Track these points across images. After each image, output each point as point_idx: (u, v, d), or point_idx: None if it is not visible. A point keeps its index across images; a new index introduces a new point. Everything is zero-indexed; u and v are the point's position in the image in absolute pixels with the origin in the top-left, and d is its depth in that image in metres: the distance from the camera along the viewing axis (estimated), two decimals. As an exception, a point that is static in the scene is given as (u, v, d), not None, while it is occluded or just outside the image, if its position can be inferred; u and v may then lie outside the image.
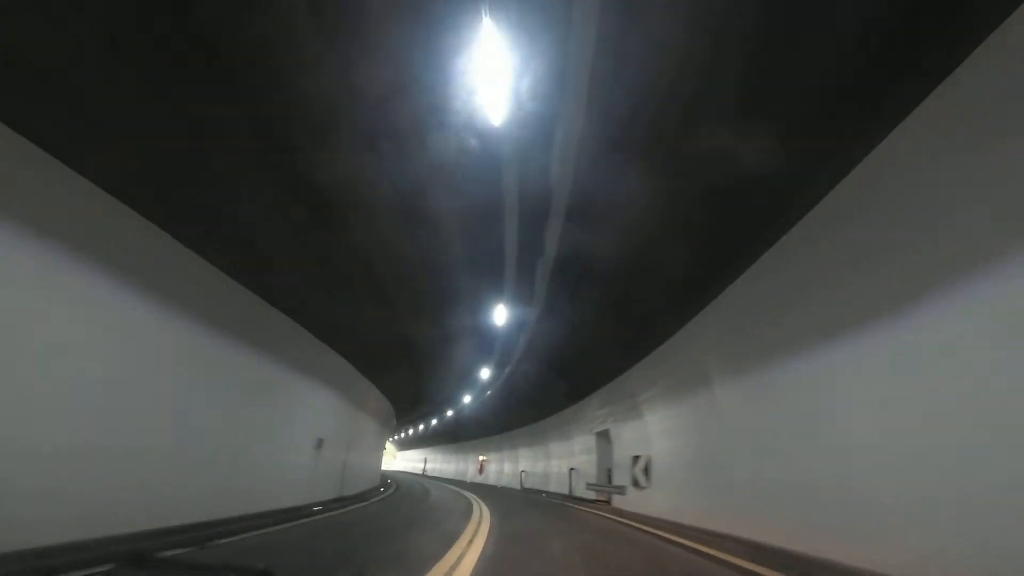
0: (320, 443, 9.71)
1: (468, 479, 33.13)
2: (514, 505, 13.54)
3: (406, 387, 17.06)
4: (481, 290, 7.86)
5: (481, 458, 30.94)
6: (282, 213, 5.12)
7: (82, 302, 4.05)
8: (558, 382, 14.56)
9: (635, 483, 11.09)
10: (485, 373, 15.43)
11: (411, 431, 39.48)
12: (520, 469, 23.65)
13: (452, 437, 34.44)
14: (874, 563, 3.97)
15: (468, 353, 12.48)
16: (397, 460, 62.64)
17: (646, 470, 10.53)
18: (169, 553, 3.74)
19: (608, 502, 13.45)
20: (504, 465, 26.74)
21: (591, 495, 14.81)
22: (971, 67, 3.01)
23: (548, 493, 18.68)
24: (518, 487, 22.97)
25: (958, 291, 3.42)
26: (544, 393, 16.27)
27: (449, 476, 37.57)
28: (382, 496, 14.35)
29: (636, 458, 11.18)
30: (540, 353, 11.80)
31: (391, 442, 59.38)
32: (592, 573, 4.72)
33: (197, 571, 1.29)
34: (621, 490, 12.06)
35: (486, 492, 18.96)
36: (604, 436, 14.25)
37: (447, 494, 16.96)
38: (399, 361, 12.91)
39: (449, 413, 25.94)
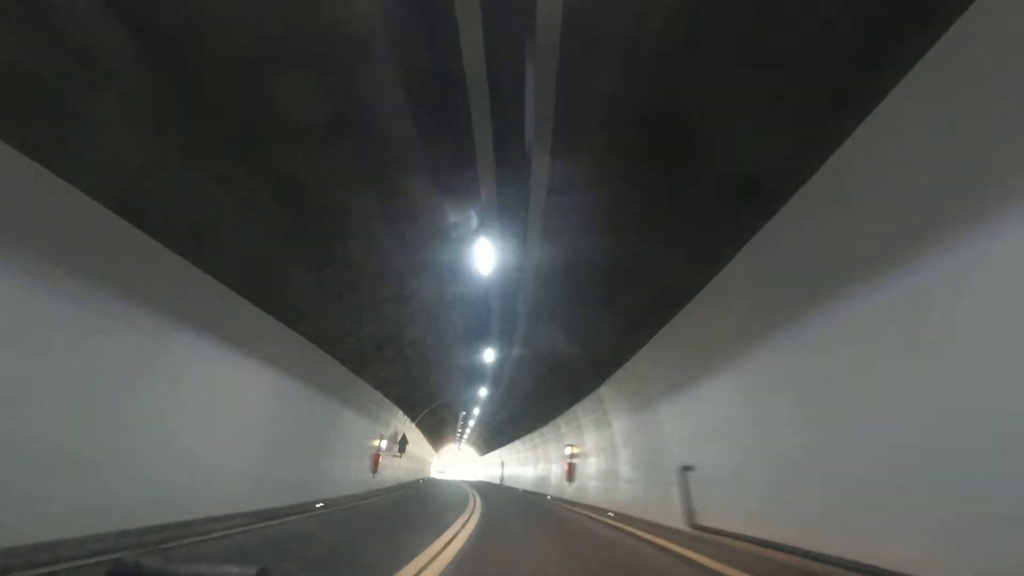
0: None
1: (551, 493, 17.44)
2: None
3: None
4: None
5: (569, 450, 15.06)
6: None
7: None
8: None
9: None
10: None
11: (468, 419, 25.21)
12: (679, 465, 7.23)
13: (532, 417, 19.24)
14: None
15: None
16: (478, 467, 48.32)
17: None
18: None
19: None
20: (622, 461, 10.40)
21: None
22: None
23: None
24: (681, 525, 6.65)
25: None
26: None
27: (527, 486, 22.39)
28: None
29: None
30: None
31: (469, 444, 45.71)
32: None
33: (196, 567, 1.20)
34: None
35: None
36: None
37: None
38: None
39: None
